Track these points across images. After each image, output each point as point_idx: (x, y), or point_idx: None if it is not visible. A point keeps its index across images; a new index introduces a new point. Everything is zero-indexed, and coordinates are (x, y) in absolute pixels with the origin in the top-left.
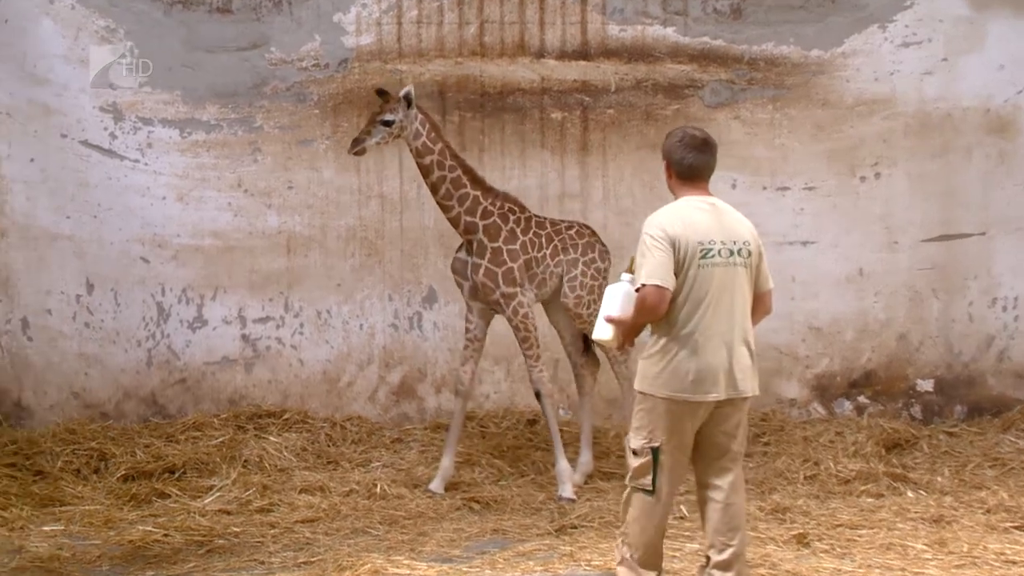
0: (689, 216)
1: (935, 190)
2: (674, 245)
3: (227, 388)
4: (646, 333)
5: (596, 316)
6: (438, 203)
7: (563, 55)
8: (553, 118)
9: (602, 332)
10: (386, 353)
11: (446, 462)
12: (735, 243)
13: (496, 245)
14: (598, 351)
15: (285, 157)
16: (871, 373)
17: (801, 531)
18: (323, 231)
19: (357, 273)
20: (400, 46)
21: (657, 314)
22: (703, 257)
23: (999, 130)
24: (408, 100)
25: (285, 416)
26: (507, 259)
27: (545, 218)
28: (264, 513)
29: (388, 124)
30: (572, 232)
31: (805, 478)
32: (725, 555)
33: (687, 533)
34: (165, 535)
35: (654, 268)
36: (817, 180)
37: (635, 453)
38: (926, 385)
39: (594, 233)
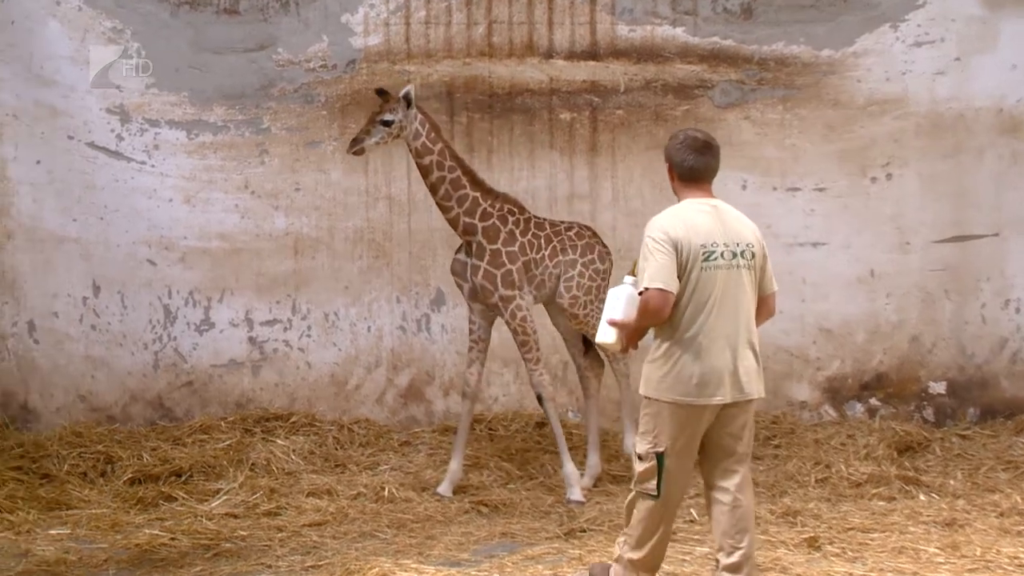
0: (691, 219)
1: (947, 191)
2: (676, 248)
3: (234, 391)
4: (649, 336)
5: (593, 317)
6: (437, 204)
7: (572, 55)
8: (562, 119)
9: (605, 335)
10: (394, 356)
11: (454, 465)
12: (738, 245)
13: (495, 247)
14: (599, 351)
15: (292, 159)
16: (883, 375)
17: (812, 535)
18: (331, 233)
19: (365, 275)
20: (408, 47)
21: (660, 318)
22: (706, 260)
23: (1012, 130)
24: (408, 100)
25: (292, 419)
26: (506, 261)
27: (545, 219)
28: (271, 517)
29: (387, 124)
30: (571, 233)
31: (816, 481)
32: (734, 558)
33: (697, 536)
34: (172, 539)
35: (657, 271)
36: (828, 181)
37: (640, 458)
38: (938, 387)
39: (595, 234)
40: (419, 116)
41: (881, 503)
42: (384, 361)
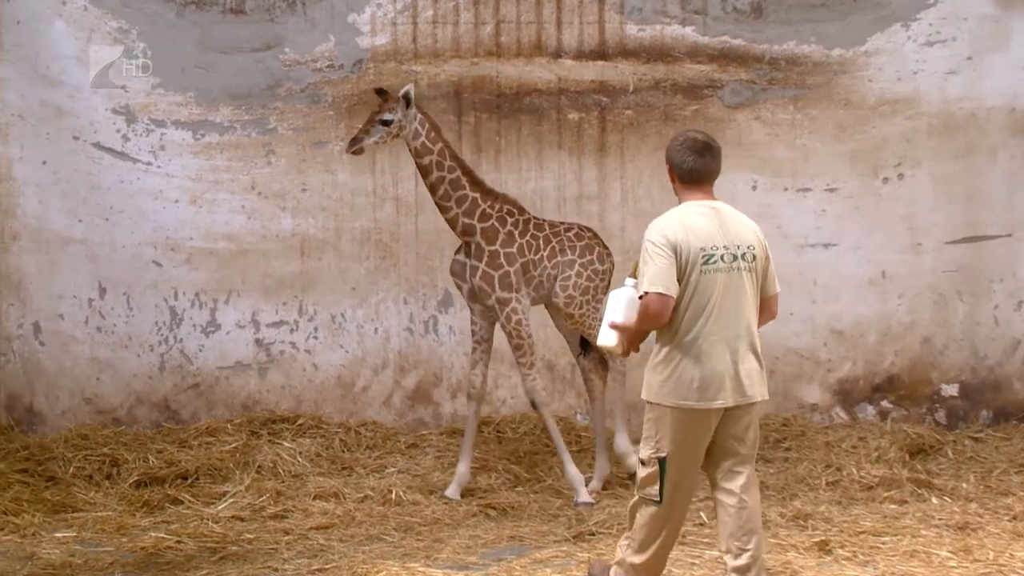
0: (691, 222)
1: (959, 191)
2: (676, 251)
3: (240, 393)
4: (651, 339)
5: (589, 317)
6: (436, 204)
7: (580, 55)
8: (570, 119)
9: (606, 338)
10: (401, 357)
11: (462, 468)
12: (738, 248)
13: (493, 248)
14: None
15: (299, 159)
16: (894, 377)
17: (823, 538)
18: (337, 234)
19: (372, 276)
20: (415, 46)
21: (660, 322)
22: (705, 263)
23: None
24: (407, 99)
25: (299, 421)
26: (504, 263)
27: (544, 220)
28: (278, 519)
29: (387, 123)
30: (571, 234)
31: (827, 484)
32: (742, 560)
33: (707, 540)
34: (178, 542)
35: (656, 275)
36: (839, 181)
37: (643, 463)
38: (951, 389)
39: (596, 235)
40: (419, 116)
41: (893, 506)
42: (391, 363)
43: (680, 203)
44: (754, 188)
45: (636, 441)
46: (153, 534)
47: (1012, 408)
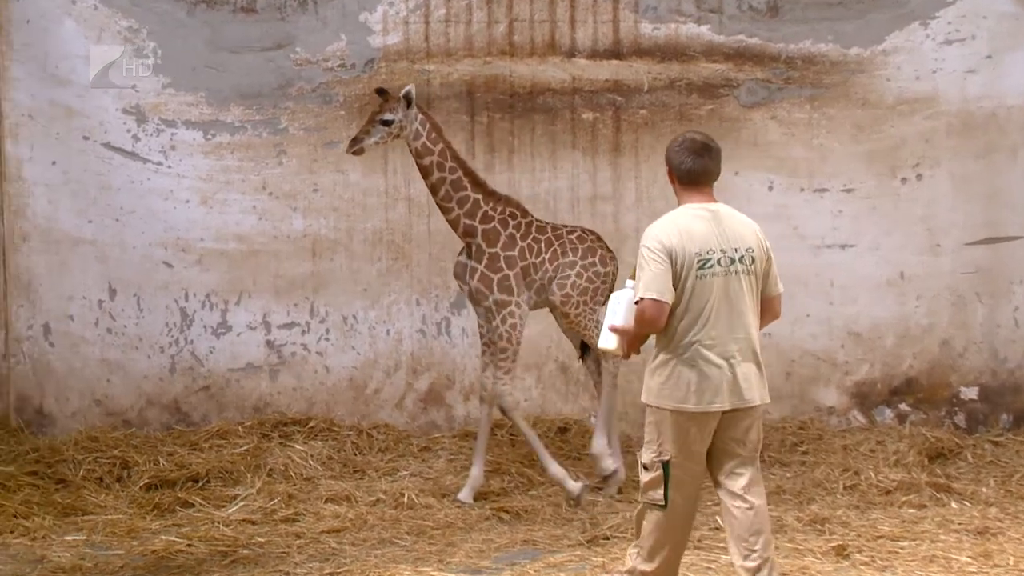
0: (687, 226)
1: (979, 191)
2: (671, 257)
3: (252, 395)
4: (651, 342)
5: (585, 318)
6: (437, 204)
7: (594, 54)
8: (584, 119)
9: (607, 341)
10: (414, 359)
11: (475, 471)
12: (736, 251)
13: (494, 251)
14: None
15: (310, 159)
16: (913, 380)
17: (840, 543)
18: (349, 234)
19: (384, 277)
20: (428, 45)
21: (656, 327)
22: (701, 268)
23: None
24: (408, 99)
25: (311, 424)
26: (504, 266)
27: (547, 223)
28: (289, 523)
29: (387, 124)
30: (573, 237)
31: (845, 488)
32: (752, 561)
33: (722, 544)
34: (189, 545)
35: (651, 281)
36: (856, 181)
37: (645, 467)
38: (970, 393)
39: (599, 239)
40: (419, 116)
41: (911, 511)
42: (403, 365)
43: (679, 205)
44: (770, 188)
45: (632, 446)
46: (164, 537)
47: None
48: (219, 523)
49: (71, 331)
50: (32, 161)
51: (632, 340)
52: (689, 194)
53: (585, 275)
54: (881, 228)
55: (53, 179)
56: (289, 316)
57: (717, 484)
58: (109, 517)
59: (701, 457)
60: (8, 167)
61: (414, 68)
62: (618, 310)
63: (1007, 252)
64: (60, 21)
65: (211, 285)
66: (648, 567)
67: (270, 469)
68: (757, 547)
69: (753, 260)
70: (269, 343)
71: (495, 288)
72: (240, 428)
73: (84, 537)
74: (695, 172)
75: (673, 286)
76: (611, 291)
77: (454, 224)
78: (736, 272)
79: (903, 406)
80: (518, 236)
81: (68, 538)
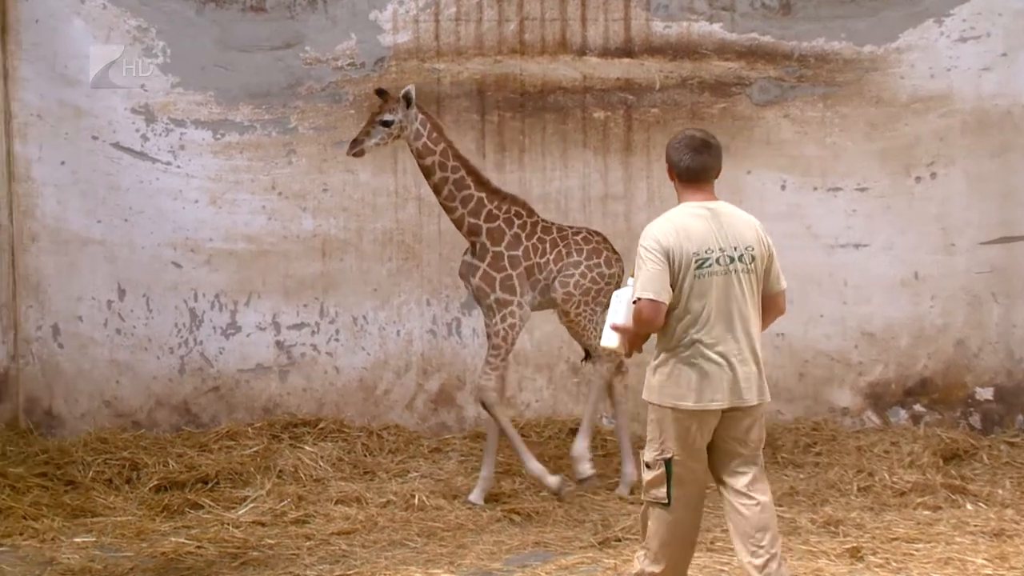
0: (685, 225)
1: (994, 190)
2: (668, 256)
3: (261, 396)
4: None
5: (584, 319)
6: (441, 204)
7: (606, 52)
8: (596, 117)
9: (609, 340)
10: (424, 360)
11: (486, 472)
12: (735, 249)
13: (498, 250)
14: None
15: (320, 159)
16: (927, 381)
17: (855, 545)
18: (359, 234)
19: (394, 278)
20: (438, 44)
21: (653, 327)
22: (699, 267)
23: None
24: (408, 100)
25: (320, 425)
26: (507, 265)
27: (552, 223)
28: (299, 525)
29: (387, 124)
30: (579, 238)
31: (859, 489)
32: (759, 558)
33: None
34: (198, 547)
35: (648, 281)
36: (870, 180)
37: (648, 466)
38: (986, 393)
39: (605, 240)
40: (419, 116)
41: (926, 512)
42: (414, 366)
43: (679, 203)
44: (783, 187)
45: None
46: (173, 539)
47: None
48: (229, 525)
49: (80, 332)
50: (41, 161)
51: (632, 339)
52: (689, 192)
53: (589, 275)
54: (895, 227)
55: (62, 179)
56: (299, 317)
57: (722, 484)
58: (118, 519)
59: (703, 455)
60: (17, 167)
61: (424, 67)
62: (619, 308)
63: (1022, 251)
64: (69, 21)
65: (220, 285)
66: (656, 568)
67: (280, 470)
68: (764, 543)
69: (753, 258)
70: (279, 344)
71: (497, 287)
72: (250, 429)
73: (93, 539)
74: (694, 169)
75: (672, 286)
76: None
77: (458, 223)
78: (736, 271)
79: (918, 407)
80: (523, 235)
81: (77, 540)
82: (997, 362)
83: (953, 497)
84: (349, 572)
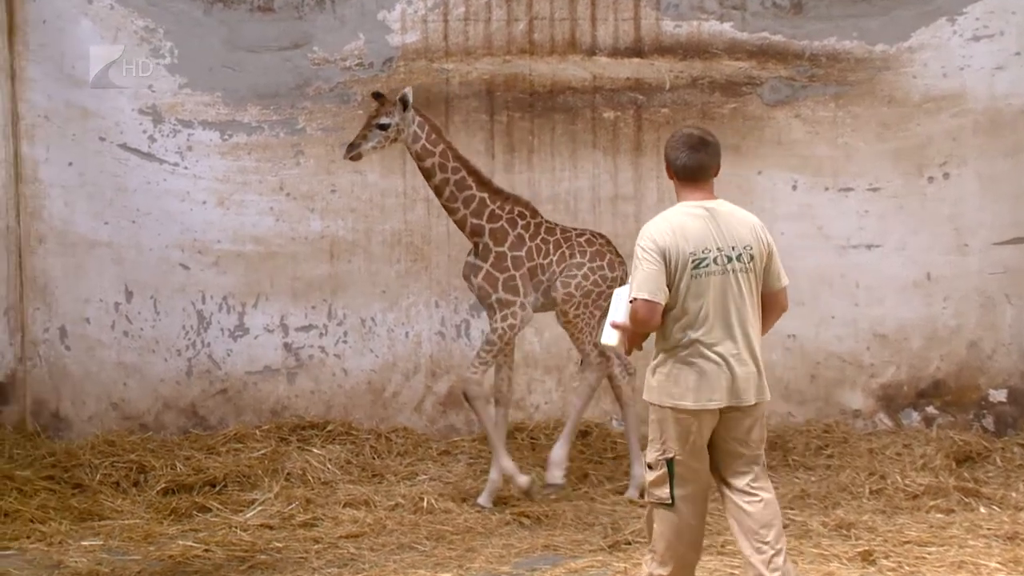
0: (682, 224)
1: (1007, 190)
2: (664, 257)
3: (269, 399)
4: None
5: (582, 321)
6: (443, 206)
7: (616, 52)
8: (605, 118)
9: (609, 337)
10: (433, 362)
11: (494, 475)
12: (733, 249)
13: (500, 250)
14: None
15: (328, 160)
16: (940, 382)
17: (867, 548)
18: (367, 236)
19: (402, 279)
20: (447, 44)
21: (649, 327)
22: (696, 267)
23: None
24: (404, 103)
25: (329, 427)
26: (510, 266)
27: (556, 224)
28: (307, 528)
29: (384, 128)
30: (582, 240)
31: (871, 492)
32: (764, 554)
33: None
34: (206, 550)
35: (643, 282)
36: (882, 180)
37: (650, 467)
38: (999, 395)
39: (608, 243)
40: (417, 119)
41: (939, 516)
42: (423, 368)
43: (677, 202)
44: (794, 188)
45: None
46: (181, 542)
47: None
48: (236, 528)
49: (87, 334)
50: (48, 162)
51: (631, 337)
52: (687, 190)
53: (591, 277)
54: (907, 228)
55: (69, 180)
56: (307, 318)
57: (724, 484)
58: (126, 522)
59: (704, 454)
60: (24, 168)
61: (433, 67)
62: (620, 306)
63: None
64: (76, 21)
65: (228, 287)
66: (663, 571)
67: (288, 473)
68: (769, 538)
69: (752, 257)
70: (287, 346)
71: (500, 287)
72: (257, 432)
73: (101, 542)
74: (691, 167)
75: (668, 286)
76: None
77: (461, 224)
78: (734, 270)
79: (930, 409)
80: (527, 236)
81: (85, 543)
82: (1011, 364)
83: (966, 500)
84: (357, 575)
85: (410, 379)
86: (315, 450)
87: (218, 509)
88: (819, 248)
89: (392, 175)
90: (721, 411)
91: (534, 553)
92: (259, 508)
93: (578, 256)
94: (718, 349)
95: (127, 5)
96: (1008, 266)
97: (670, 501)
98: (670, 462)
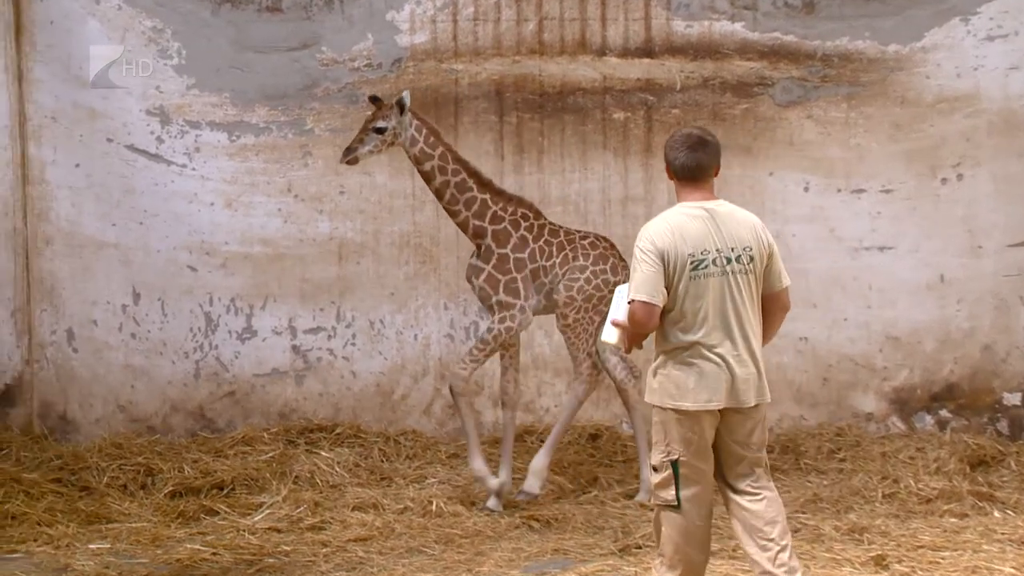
0: (681, 225)
1: (1022, 192)
2: (663, 258)
3: (277, 401)
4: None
5: (580, 326)
6: (445, 209)
7: (626, 52)
8: (616, 118)
9: (609, 335)
10: (442, 365)
11: (503, 478)
12: (733, 250)
13: (503, 251)
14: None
15: (336, 161)
16: (954, 386)
17: (880, 553)
18: (376, 237)
19: (411, 281)
20: (456, 44)
21: (647, 328)
22: (695, 268)
23: None
24: (401, 106)
25: (337, 430)
26: (512, 268)
27: (560, 226)
28: (315, 531)
29: (380, 131)
30: (586, 243)
31: (884, 496)
32: (770, 551)
33: None
34: (214, 553)
35: (641, 283)
36: (895, 182)
37: (655, 469)
38: (1013, 398)
39: (612, 246)
40: (414, 122)
41: (953, 520)
42: (431, 370)
43: (677, 202)
44: (806, 189)
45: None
46: (188, 546)
47: None
48: (244, 531)
49: (95, 336)
50: (55, 164)
51: (631, 336)
52: (686, 191)
53: (594, 281)
54: (921, 230)
55: (76, 182)
56: (315, 321)
57: (727, 487)
58: (133, 525)
59: (708, 454)
60: (31, 170)
61: (442, 68)
62: (621, 303)
63: None
64: (84, 22)
65: (236, 289)
66: (672, 575)
67: (296, 476)
68: (774, 535)
69: (752, 258)
70: (295, 348)
71: (501, 290)
72: (265, 434)
73: (108, 545)
74: (688, 167)
75: (667, 287)
76: None
77: (463, 226)
78: (733, 272)
79: (944, 412)
80: (530, 238)
81: (92, 546)
82: None
83: (980, 504)
84: None
85: (419, 382)
86: (323, 453)
87: (226, 512)
88: (831, 250)
89: (401, 176)
90: (722, 413)
91: (544, 557)
92: (267, 511)
93: (581, 259)
94: (718, 350)
95: (135, 5)
96: (1023, 268)
97: (676, 503)
98: (674, 464)
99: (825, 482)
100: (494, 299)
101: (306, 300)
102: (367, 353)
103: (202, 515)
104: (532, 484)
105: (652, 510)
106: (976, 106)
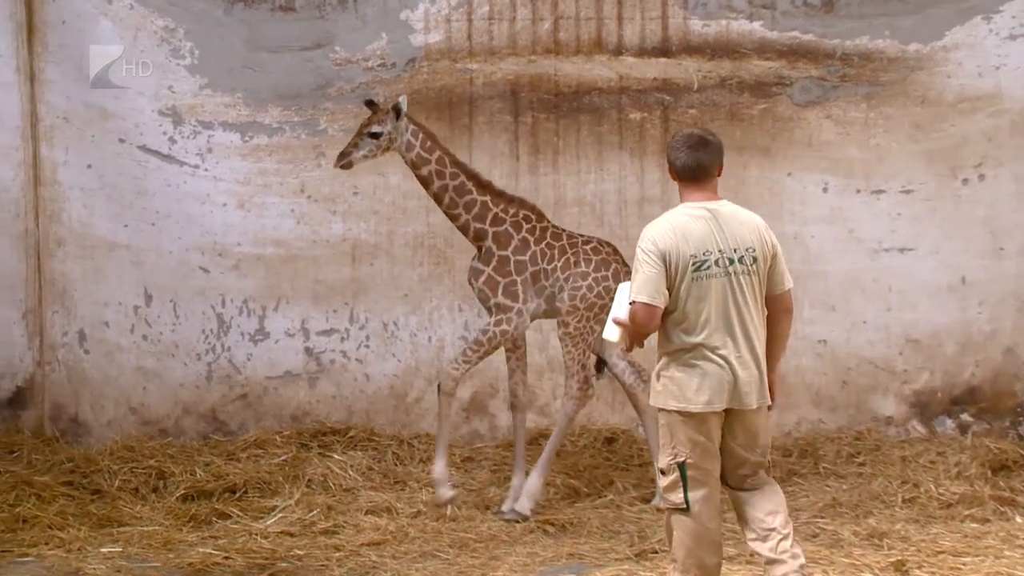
0: (682, 227)
1: None
2: (665, 260)
3: (290, 404)
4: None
5: (579, 335)
6: (445, 213)
7: (642, 52)
8: (632, 119)
9: (610, 333)
10: None
11: (516, 482)
12: (735, 251)
13: (504, 254)
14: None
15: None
16: (975, 389)
17: (900, 558)
18: (390, 239)
19: (425, 283)
20: (471, 44)
21: (648, 329)
22: (697, 270)
23: None
24: (397, 111)
25: (350, 433)
26: (512, 271)
27: (563, 230)
28: (328, 535)
29: (376, 136)
30: (588, 248)
31: (904, 501)
32: (771, 540)
33: None
34: (226, 558)
35: (642, 284)
36: (915, 182)
37: (663, 472)
38: None
39: (615, 252)
40: (411, 127)
41: (974, 525)
42: None
43: (680, 203)
44: (825, 190)
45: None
46: (201, 550)
47: None
48: (257, 535)
49: (106, 338)
50: (67, 165)
51: (632, 335)
52: (689, 191)
53: (596, 289)
54: (942, 231)
55: (88, 183)
56: (328, 323)
57: (729, 488)
58: (145, 529)
59: (715, 456)
60: (43, 171)
61: (456, 67)
62: (623, 302)
63: None
64: (96, 22)
65: (248, 291)
66: None
67: (309, 480)
68: (775, 525)
69: (755, 259)
70: (308, 350)
71: (500, 292)
72: (278, 437)
73: (120, 549)
74: (689, 167)
75: (668, 288)
76: None
77: (464, 230)
78: (735, 273)
79: (965, 416)
80: (532, 240)
81: (104, 550)
82: None
83: (1002, 509)
84: None
85: (433, 384)
86: (336, 456)
87: (238, 516)
88: (851, 252)
89: (414, 177)
90: (725, 414)
91: (559, 562)
92: (279, 515)
93: (583, 265)
94: (721, 352)
95: (147, 5)
96: None
97: (685, 505)
98: (681, 466)
99: (844, 486)
100: (492, 301)
101: (319, 302)
102: (381, 355)
103: (214, 519)
104: (524, 505)
105: (661, 512)
106: (998, 106)
